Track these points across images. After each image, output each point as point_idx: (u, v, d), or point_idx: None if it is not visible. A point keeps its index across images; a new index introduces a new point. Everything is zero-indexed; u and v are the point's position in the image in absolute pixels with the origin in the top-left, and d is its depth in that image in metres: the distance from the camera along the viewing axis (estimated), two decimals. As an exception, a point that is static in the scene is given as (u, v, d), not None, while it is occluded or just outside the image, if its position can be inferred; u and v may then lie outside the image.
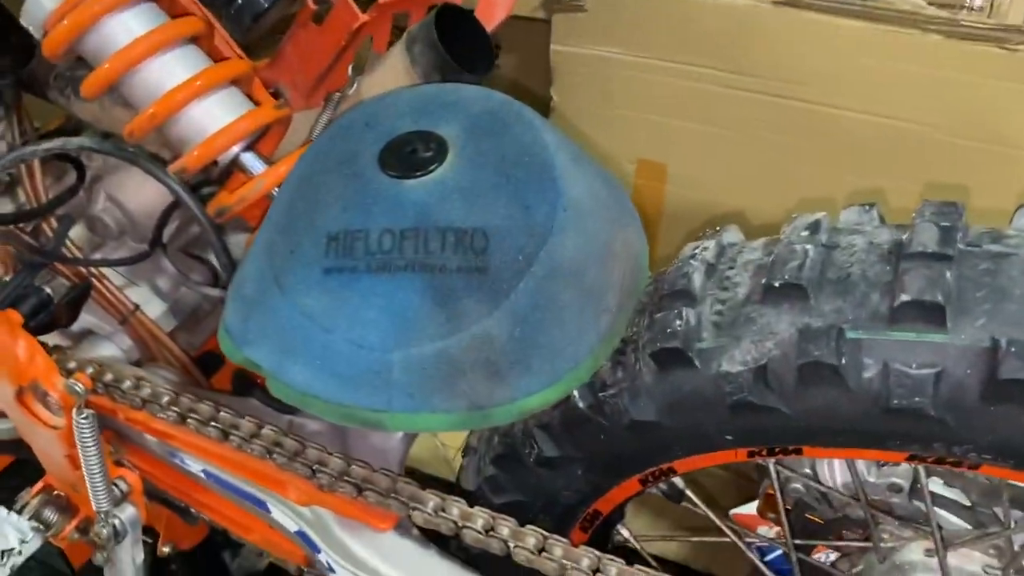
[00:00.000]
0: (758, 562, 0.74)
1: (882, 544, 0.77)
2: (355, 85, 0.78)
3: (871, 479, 0.73)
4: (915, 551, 0.76)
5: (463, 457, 0.79)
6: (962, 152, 1.09)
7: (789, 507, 0.84)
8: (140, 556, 0.85)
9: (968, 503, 0.74)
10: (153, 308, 0.88)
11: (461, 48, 0.74)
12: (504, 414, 0.55)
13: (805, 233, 0.56)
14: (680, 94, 1.21)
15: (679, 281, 0.58)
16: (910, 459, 0.53)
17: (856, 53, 1.09)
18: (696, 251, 0.61)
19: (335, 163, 0.61)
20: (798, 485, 0.78)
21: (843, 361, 0.49)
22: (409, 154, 0.59)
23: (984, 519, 0.73)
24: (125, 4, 0.70)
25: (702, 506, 0.72)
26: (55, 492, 0.85)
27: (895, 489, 0.73)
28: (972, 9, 1.25)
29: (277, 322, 0.58)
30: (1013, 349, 0.45)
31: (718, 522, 0.72)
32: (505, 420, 0.56)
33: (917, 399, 0.47)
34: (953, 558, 0.75)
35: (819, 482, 0.76)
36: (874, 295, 0.50)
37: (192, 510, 0.85)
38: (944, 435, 0.49)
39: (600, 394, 0.59)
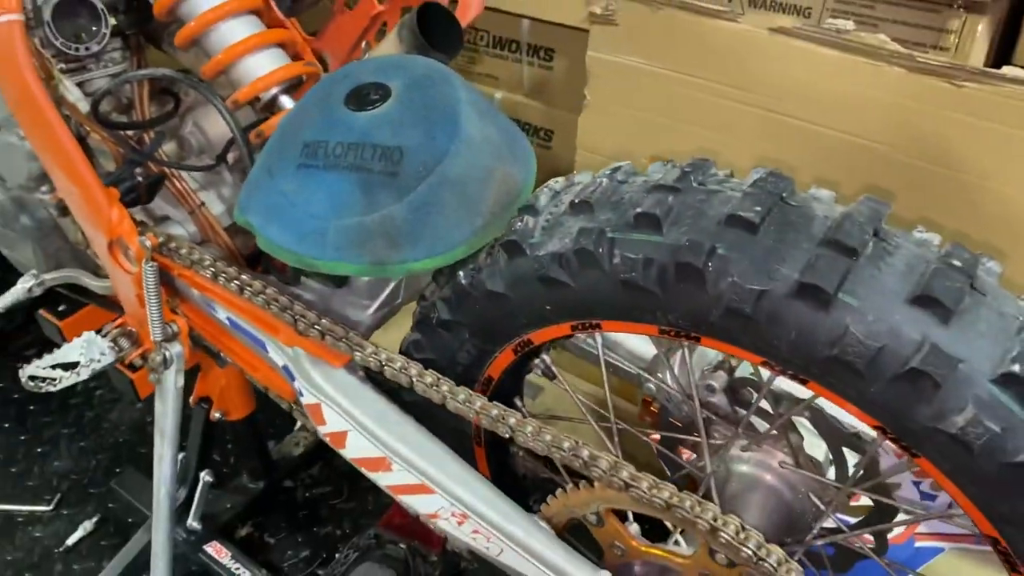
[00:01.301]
0: (608, 443, 0.98)
1: (711, 441, 1.00)
2: (366, 55, 1.07)
3: (696, 382, 0.96)
4: (735, 448, 0.98)
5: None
6: (913, 169, 1.24)
7: (656, 409, 1.08)
8: (181, 381, 1.17)
9: (772, 411, 0.97)
10: (215, 207, 1.20)
11: (438, 34, 1.02)
12: (396, 271, 0.83)
13: (609, 172, 0.81)
14: (689, 101, 1.40)
15: (530, 200, 0.85)
16: (660, 333, 0.77)
17: (832, 78, 1.26)
18: (551, 182, 0.87)
19: (319, 99, 0.90)
20: (651, 386, 1.02)
21: (600, 251, 0.74)
22: (364, 96, 0.87)
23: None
24: (209, -18, 1.02)
25: (567, 387, 0.96)
26: (128, 327, 1.18)
27: (711, 390, 0.96)
28: (942, 49, 1.43)
29: (265, 198, 0.88)
30: (687, 244, 0.69)
31: (577, 401, 0.97)
32: (396, 275, 0.84)
33: (633, 274, 0.72)
34: (759, 454, 0.97)
35: (663, 383, 1.00)
36: (630, 210, 0.75)
37: (221, 353, 1.16)
38: (660, 306, 0.73)
39: (472, 272, 0.86)
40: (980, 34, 1.35)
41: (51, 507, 1.74)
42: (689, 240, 0.69)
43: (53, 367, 1.09)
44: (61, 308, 1.40)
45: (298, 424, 1.74)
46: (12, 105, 1.01)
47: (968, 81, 1.15)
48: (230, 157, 1.18)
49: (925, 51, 1.36)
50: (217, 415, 1.49)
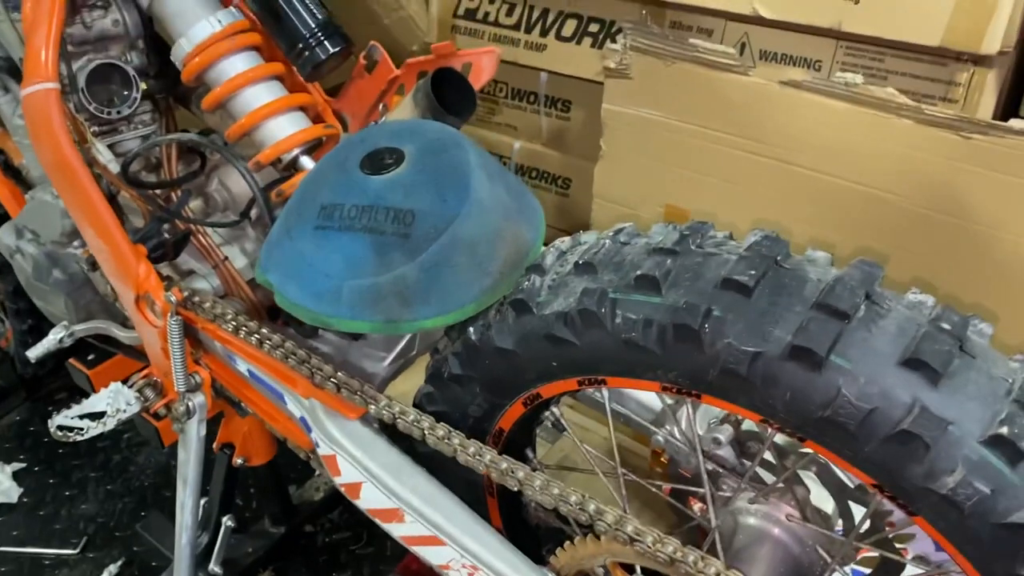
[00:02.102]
0: (616, 495, 0.99)
1: (720, 493, 1.01)
2: (384, 118, 1.12)
3: (701, 434, 0.98)
4: (742, 500, 1.00)
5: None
6: (922, 218, 1.26)
7: (666, 460, 1.09)
8: (203, 431, 1.20)
9: (777, 464, 0.98)
10: (238, 261, 1.24)
11: (452, 98, 1.06)
12: (408, 328, 0.87)
13: (611, 234, 0.84)
14: (703, 152, 1.43)
15: (537, 259, 0.88)
16: (663, 389, 0.80)
17: (843, 130, 1.28)
18: (558, 242, 0.90)
19: (336, 163, 0.94)
20: (659, 438, 1.04)
21: (603, 311, 0.77)
22: (379, 160, 0.91)
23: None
24: (234, 50, 1.07)
25: (576, 440, 0.99)
26: (154, 378, 1.22)
27: (717, 443, 0.97)
28: (951, 101, 1.45)
29: (284, 257, 0.92)
30: (684, 305, 0.71)
31: (584, 452, 0.99)
32: (408, 332, 0.87)
33: (634, 334, 0.74)
34: (766, 507, 0.99)
35: (673, 436, 1.01)
36: (631, 272, 0.77)
37: (241, 404, 1.20)
38: (661, 364, 0.75)
39: (482, 329, 0.89)
40: (988, 87, 1.36)
41: (77, 550, 1.77)
42: (686, 302, 0.72)
43: (81, 417, 1.13)
44: (90, 357, 1.45)
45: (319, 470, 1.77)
46: (47, 167, 1.06)
47: (976, 133, 1.17)
48: (252, 214, 1.22)
49: (934, 103, 1.38)
50: (239, 461, 1.52)
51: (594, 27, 1.74)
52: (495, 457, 0.92)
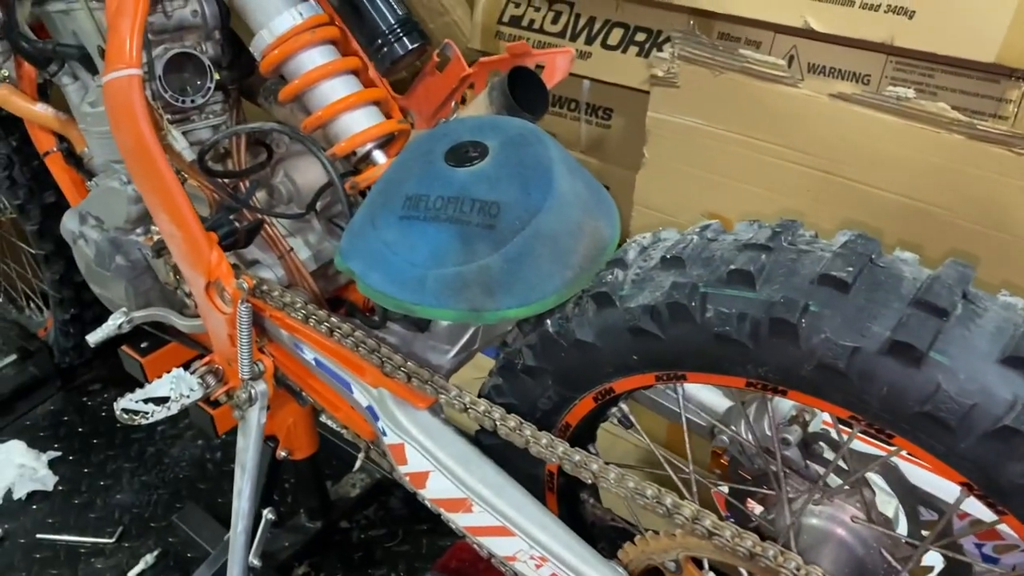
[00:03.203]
0: (686, 492, 1.00)
1: (787, 494, 1.02)
2: (455, 115, 1.14)
3: (769, 434, 0.99)
4: (806, 501, 1.00)
5: (487, 376, 1.11)
6: (970, 233, 1.27)
7: (726, 461, 1.10)
8: (264, 418, 1.21)
9: (845, 466, 0.99)
10: (302, 252, 1.26)
11: (526, 96, 1.08)
12: (491, 318, 0.88)
13: (698, 230, 0.86)
14: (747, 161, 1.44)
15: (620, 254, 0.89)
16: (747, 385, 0.81)
17: (892, 143, 1.30)
18: (638, 237, 0.91)
19: (419, 154, 0.95)
20: (724, 438, 1.05)
21: (693, 304, 0.78)
22: (463, 153, 0.93)
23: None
24: (314, 43, 1.09)
25: (643, 435, 1.00)
26: (216, 365, 1.23)
27: (785, 443, 0.98)
28: (1001, 117, 1.46)
29: (367, 246, 0.93)
30: (782, 300, 0.73)
31: (657, 452, 1.00)
32: (491, 321, 0.88)
33: (727, 328, 0.76)
34: (831, 508, 0.99)
35: (737, 434, 1.02)
36: (722, 267, 0.79)
37: (303, 393, 1.21)
38: (751, 359, 0.76)
39: (561, 321, 0.90)
40: (1039, 104, 1.38)
41: (113, 539, 1.78)
42: (783, 297, 0.73)
43: (145, 401, 1.14)
44: (143, 345, 1.46)
45: (356, 465, 1.77)
46: (125, 152, 1.08)
47: (1027, 149, 1.18)
48: (318, 206, 1.24)
49: (984, 119, 1.39)
50: (283, 454, 1.53)
51: (640, 36, 1.76)
52: (568, 449, 0.93)
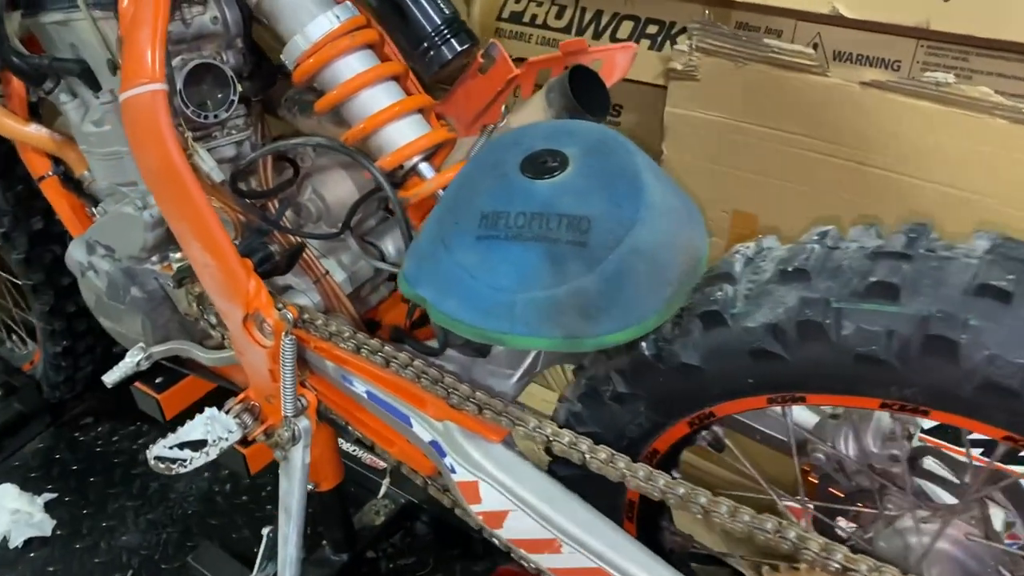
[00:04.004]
0: (785, 510, 0.93)
1: (887, 511, 0.96)
2: (505, 120, 1.05)
3: (875, 451, 0.92)
4: (911, 518, 0.94)
5: (558, 403, 1.03)
6: (1015, 221, 1.21)
7: (816, 480, 1.04)
8: (308, 458, 1.12)
9: (956, 480, 0.92)
10: (338, 275, 1.16)
11: (586, 97, 1.00)
12: (591, 344, 0.79)
13: (816, 238, 0.78)
14: (773, 155, 1.38)
15: (723, 267, 0.81)
16: (882, 407, 0.74)
17: (929, 130, 1.25)
18: (741, 248, 0.84)
19: (489, 167, 0.87)
20: (820, 455, 0.98)
21: (827, 322, 0.71)
22: (540, 164, 0.84)
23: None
24: (353, 48, 0.99)
25: (741, 456, 0.93)
26: (251, 402, 1.13)
27: (894, 459, 0.92)
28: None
29: (440, 270, 0.85)
30: (939, 315, 0.66)
31: (755, 474, 0.93)
32: (589, 349, 0.80)
33: (873, 347, 0.68)
34: (940, 525, 0.93)
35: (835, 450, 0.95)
36: (856, 279, 0.71)
37: (349, 427, 1.11)
38: (895, 379, 0.69)
39: (660, 344, 0.82)
40: (1081, 84, 1.33)
41: (124, 586, 1.67)
42: (940, 311, 0.66)
43: (180, 447, 1.04)
44: (158, 380, 1.36)
45: (381, 492, 1.69)
46: (149, 175, 0.98)
47: (1077, 133, 1.14)
48: (353, 223, 1.15)
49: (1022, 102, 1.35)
50: (310, 487, 1.43)
51: (652, 29, 1.68)
52: (670, 481, 0.85)
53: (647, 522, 1.04)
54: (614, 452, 0.88)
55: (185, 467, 1.03)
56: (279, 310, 1.01)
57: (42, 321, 1.75)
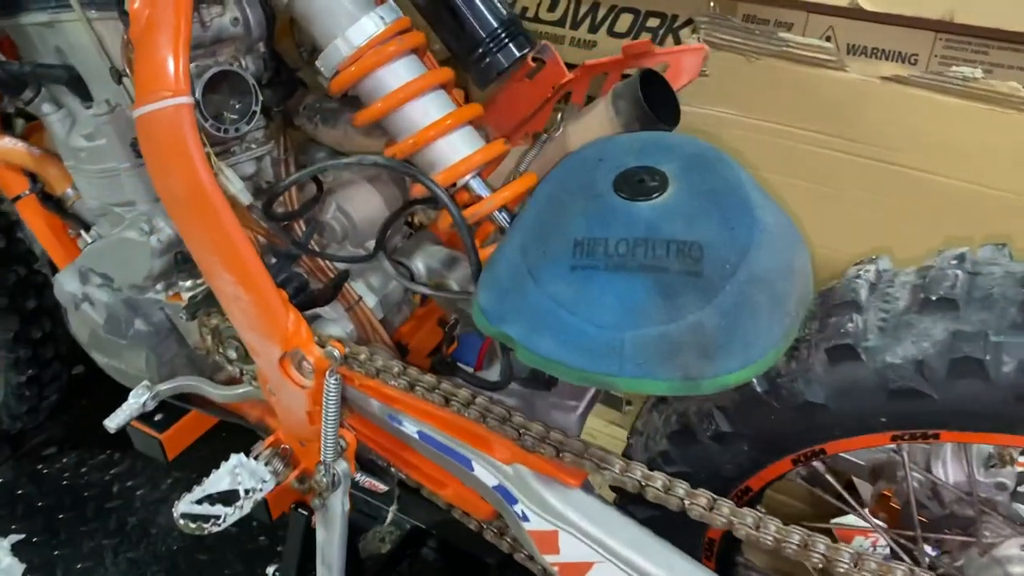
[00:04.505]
0: (891, 544, 0.87)
1: (984, 539, 0.91)
2: (560, 129, 0.96)
3: (980, 478, 0.87)
4: (1013, 547, 0.89)
5: (629, 438, 0.95)
6: None
7: (898, 506, 0.98)
8: (348, 505, 1.02)
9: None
10: (369, 300, 1.06)
11: (654, 104, 0.92)
12: (710, 386, 0.71)
13: (954, 262, 0.72)
14: (786, 153, 1.34)
15: (848, 295, 0.74)
16: (1032, 444, 0.68)
17: (955, 126, 1.21)
18: (859, 272, 0.77)
19: (576, 187, 0.78)
20: (915, 482, 0.92)
21: (987, 357, 0.64)
22: (638, 183, 0.76)
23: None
24: (400, 53, 0.89)
25: (839, 487, 0.86)
26: (282, 446, 1.02)
27: (1001, 487, 0.86)
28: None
29: (529, 305, 0.75)
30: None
31: (853, 503, 0.87)
32: (710, 391, 0.71)
33: (1046, 387, 0.62)
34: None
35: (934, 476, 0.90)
36: (1011, 309, 0.65)
37: (392, 468, 1.01)
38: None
39: (778, 380, 0.75)
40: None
41: (109, 634, 1.54)
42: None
43: (211, 502, 0.93)
44: (157, 418, 1.23)
45: (388, 519, 1.59)
46: (172, 201, 0.86)
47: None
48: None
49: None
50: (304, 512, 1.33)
51: (653, 22, 1.61)
52: (781, 527, 0.78)
53: (724, 558, 0.97)
54: (715, 498, 0.80)
55: (219, 525, 0.92)
56: (323, 347, 0.90)
57: (5, 349, 1.59)
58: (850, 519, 1.11)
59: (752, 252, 0.72)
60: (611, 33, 1.65)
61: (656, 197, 0.75)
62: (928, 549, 0.99)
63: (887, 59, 1.47)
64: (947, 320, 0.67)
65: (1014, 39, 1.33)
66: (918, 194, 1.27)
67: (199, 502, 0.93)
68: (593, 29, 1.66)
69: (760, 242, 0.72)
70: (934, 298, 0.68)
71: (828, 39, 1.49)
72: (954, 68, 1.26)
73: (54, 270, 1.20)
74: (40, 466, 1.90)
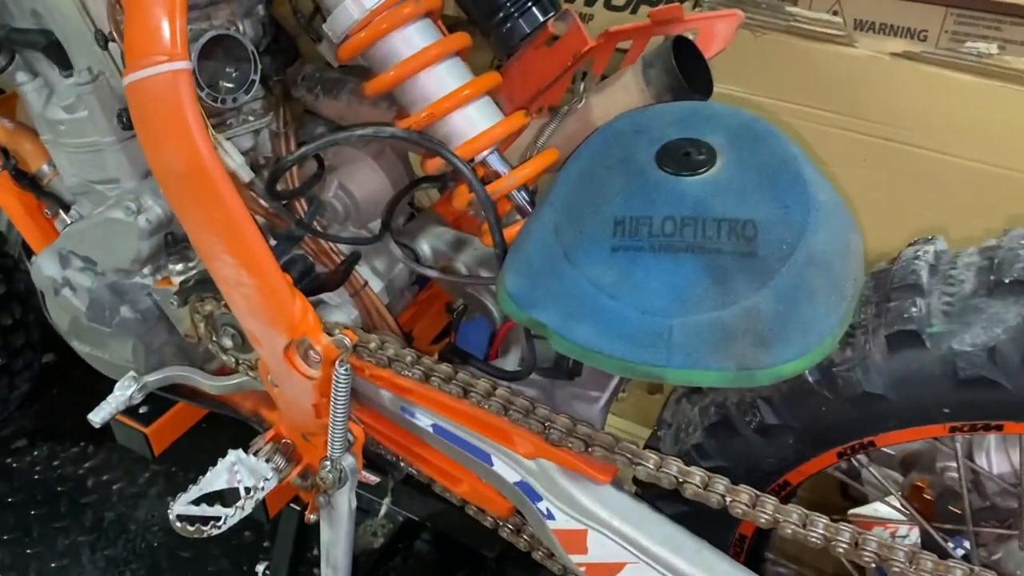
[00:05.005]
0: (942, 542, 0.83)
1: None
2: (583, 101, 0.90)
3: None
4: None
5: (656, 430, 0.89)
6: None
7: (931, 497, 0.94)
8: (355, 502, 0.95)
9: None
10: (375, 284, 0.99)
11: (684, 73, 0.86)
12: (766, 376, 0.66)
13: (1012, 244, 0.67)
14: (792, 131, 1.28)
15: (908, 277, 0.69)
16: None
17: (969, 105, 1.17)
18: (918, 253, 0.72)
19: (614, 162, 0.72)
20: (952, 473, 0.88)
21: (1068, 344, 0.60)
22: (683, 156, 0.70)
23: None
24: (415, 17, 0.82)
25: (881, 479, 0.82)
26: (283, 440, 0.96)
27: (1050, 479, 0.82)
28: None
29: (566, 290, 0.69)
30: None
31: (898, 499, 0.82)
32: (766, 382, 0.66)
33: None
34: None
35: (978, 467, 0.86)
36: (1092, 292, 0.61)
37: (402, 463, 0.95)
38: None
39: (833, 369, 0.70)
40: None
41: (88, 635, 1.46)
42: None
43: (208, 502, 0.86)
44: (142, 411, 1.16)
45: (382, 512, 1.53)
46: (167, 176, 0.78)
47: None
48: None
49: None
50: (313, 518, 1.26)
51: (653, -6, 1.56)
52: (830, 524, 0.73)
53: (755, 556, 0.93)
54: (757, 494, 0.75)
55: (219, 527, 0.85)
56: (332, 335, 0.83)
57: (-29, 337, 1.51)
58: (867, 509, 1.07)
59: (809, 232, 0.67)
60: (608, 7, 1.59)
61: (704, 172, 0.69)
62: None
63: (896, 34, 1.42)
64: (1021, 305, 0.63)
65: (1026, 13, 1.29)
66: (927, 174, 1.24)
67: (196, 503, 0.87)
68: (589, 2, 1.59)
69: (817, 221, 0.67)
70: (1007, 280, 0.64)
71: (835, 13, 1.44)
72: (968, 44, 1.22)
73: (28, 253, 1.12)
74: (9, 460, 1.81)
